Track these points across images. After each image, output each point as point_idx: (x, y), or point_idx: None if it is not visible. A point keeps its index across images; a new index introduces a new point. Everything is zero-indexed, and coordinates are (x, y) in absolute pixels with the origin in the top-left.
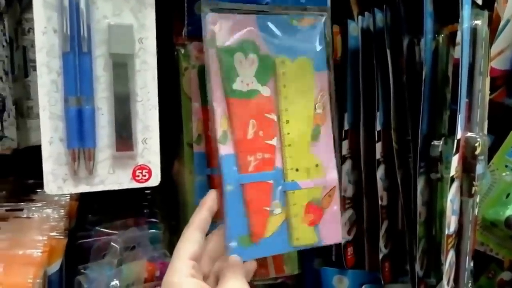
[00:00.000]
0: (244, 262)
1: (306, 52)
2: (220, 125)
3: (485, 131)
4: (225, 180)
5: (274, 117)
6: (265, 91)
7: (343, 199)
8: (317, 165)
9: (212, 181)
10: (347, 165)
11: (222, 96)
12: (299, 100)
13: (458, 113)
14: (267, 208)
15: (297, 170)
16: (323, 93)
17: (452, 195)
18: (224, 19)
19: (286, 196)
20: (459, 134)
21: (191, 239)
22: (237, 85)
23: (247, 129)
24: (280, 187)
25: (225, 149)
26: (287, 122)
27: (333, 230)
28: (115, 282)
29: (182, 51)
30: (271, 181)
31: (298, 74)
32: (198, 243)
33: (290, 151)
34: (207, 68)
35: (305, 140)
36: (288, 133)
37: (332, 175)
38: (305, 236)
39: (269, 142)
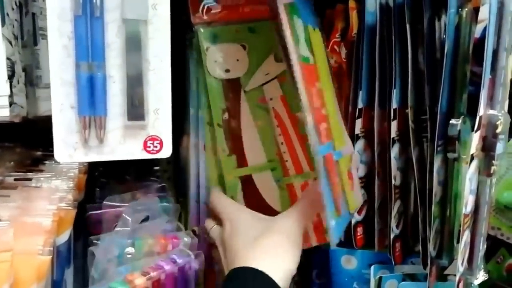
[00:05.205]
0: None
1: (316, 25)
2: (302, 93)
3: (506, 110)
4: (316, 153)
5: (318, 86)
6: (311, 59)
7: None
8: (344, 133)
9: None
10: (360, 144)
11: (297, 61)
12: (325, 70)
13: (481, 88)
14: (336, 179)
15: (338, 138)
16: None
17: (470, 173)
18: None
19: (338, 165)
20: (481, 111)
21: None
22: (300, 49)
23: (313, 97)
24: (334, 157)
25: (310, 120)
26: (325, 91)
27: (358, 193)
28: (131, 248)
29: (202, 30)
30: (332, 152)
31: (319, 44)
32: None
33: (332, 121)
34: (283, 30)
35: (334, 109)
36: (328, 103)
37: (349, 142)
38: (353, 202)
39: (323, 112)
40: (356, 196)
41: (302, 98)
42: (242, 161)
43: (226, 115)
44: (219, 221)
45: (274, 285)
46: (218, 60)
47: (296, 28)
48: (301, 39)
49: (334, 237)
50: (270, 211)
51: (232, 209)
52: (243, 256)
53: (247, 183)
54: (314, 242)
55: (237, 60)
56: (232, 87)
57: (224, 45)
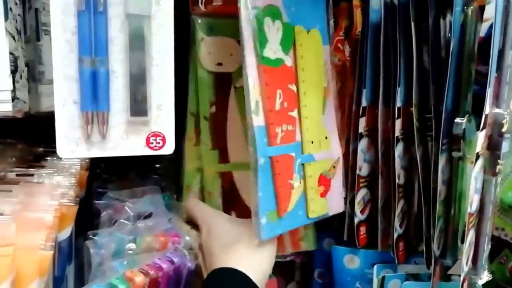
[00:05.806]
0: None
1: (316, 24)
2: (253, 94)
3: None
4: (258, 153)
5: (294, 88)
6: (288, 60)
7: (357, 177)
8: (326, 138)
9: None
10: (363, 143)
11: (254, 63)
12: (313, 73)
13: (487, 87)
14: (291, 181)
15: (312, 142)
16: (327, 67)
17: (476, 172)
18: None
19: (303, 169)
20: (487, 109)
21: None
22: (266, 52)
23: (275, 100)
24: (299, 160)
25: (257, 121)
26: (305, 94)
27: (337, 201)
28: (132, 245)
29: (199, 20)
30: (293, 154)
31: (312, 46)
32: None
33: (307, 124)
34: (241, 31)
35: (318, 112)
36: (306, 105)
37: (336, 147)
38: (318, 208)
39: (291, 114)
40: (326, 203)
41: (251, 99)
42: (224, 157)
43: (213, 109)
44: (194, 225)
45: (252, 284)
46: (211, 52)
47: (264, 30)
48: (272, 40)
49: (262, 234)
50: (246, 211)
51: (209, 214)
52: (221, 259)
53: (227, 180)
54: (289, 249)
55: (231, 54)
56: (223, 81)
57: (219, 38)
